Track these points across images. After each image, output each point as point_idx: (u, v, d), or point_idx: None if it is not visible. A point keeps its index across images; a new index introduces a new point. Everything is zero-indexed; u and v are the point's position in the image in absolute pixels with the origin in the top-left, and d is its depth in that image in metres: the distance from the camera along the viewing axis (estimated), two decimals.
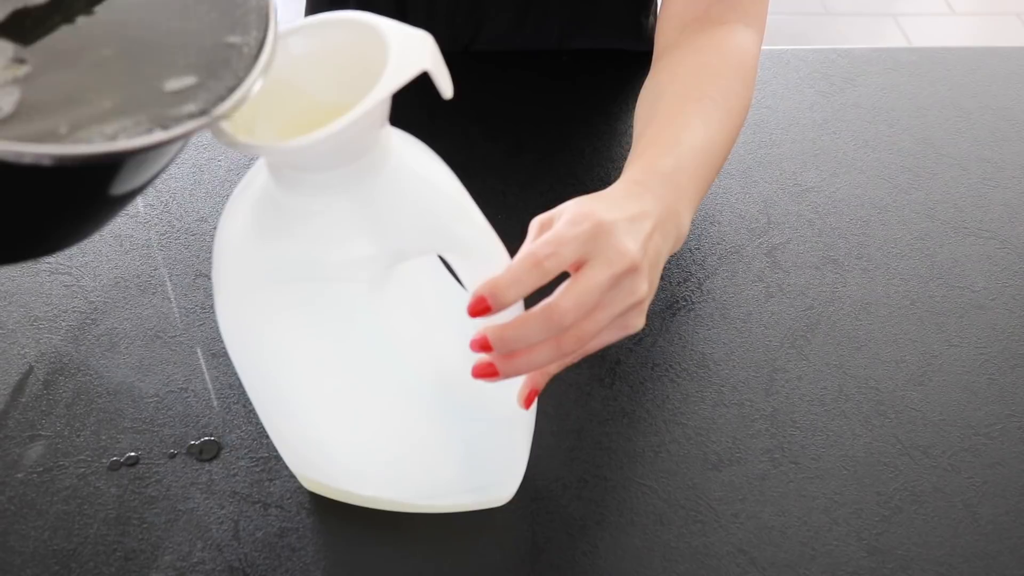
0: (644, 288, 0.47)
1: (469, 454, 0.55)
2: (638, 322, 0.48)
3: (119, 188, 0.40)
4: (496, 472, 0.57)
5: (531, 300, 0.46)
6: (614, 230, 0.46)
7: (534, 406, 0.55)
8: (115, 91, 0.39)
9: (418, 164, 0.46)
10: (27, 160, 0.34)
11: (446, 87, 0.42)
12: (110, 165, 0.38)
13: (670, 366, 0.67)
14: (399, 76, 0.40)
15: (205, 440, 0.62)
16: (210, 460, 0.61)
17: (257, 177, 0.46)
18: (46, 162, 0.34)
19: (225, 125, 0.40)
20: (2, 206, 0.38)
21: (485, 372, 0.45)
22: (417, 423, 0.52)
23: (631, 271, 0.46)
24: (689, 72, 0.63)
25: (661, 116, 0.59)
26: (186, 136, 0.38)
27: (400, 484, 0.57)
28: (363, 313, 0.47)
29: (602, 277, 0.45)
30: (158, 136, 0.37)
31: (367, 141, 0.43)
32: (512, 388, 0.51)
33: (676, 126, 0.58)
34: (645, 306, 0.48)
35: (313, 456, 0.56)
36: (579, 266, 0.46)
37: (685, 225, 0.54)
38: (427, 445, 0.54)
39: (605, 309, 0.46)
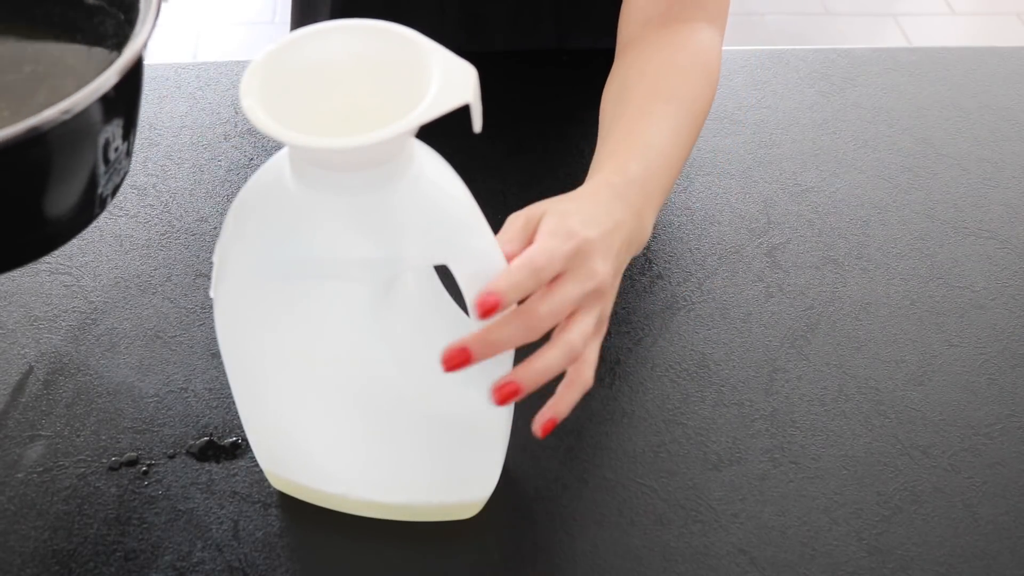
0: (607, 307, 0.52)
1: (445, 457, 0.55)
2: (589, 375, 0.52)
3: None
4: (470, 477, 0.57)
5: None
6: (592, 252, 0.50)
7: (510, 416, 0.56)
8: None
9: (436, 173, 0.47)
10: None
11: (479, 121, 0.44)
12: None
13: (670, 366, 0.67)
14: (444, 103, 0.42)
15: (205, 440, 0.62)
16: (210, 460, 0.61)
17: (273, 171, 0.47)
18: None
19: (264, 115, 0.41)
20: None
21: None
22: (398, 425, 0.52)
23: (598, 292, 0.51)
24: (658, 71, 0.64)
25: (631, 115, 0.61)
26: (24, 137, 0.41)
27: (373, 483, 0.57)
28: (360, 316, 0.47)
29: (575, 293, 0.49)
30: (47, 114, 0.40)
31: (397, 148, 0.44)
32: (488, 401, 0.52)
33: (647, 127, 0.60)
34: (600, 336, 0.53)
35: (289, 452, 0.56)
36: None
37: (648, 230, 0.57)
38: (404, 446, 0.54)
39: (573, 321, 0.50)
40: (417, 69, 0.43)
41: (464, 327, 0.54)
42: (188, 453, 0.61)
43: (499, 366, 0.52)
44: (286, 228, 0.45)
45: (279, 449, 0.56)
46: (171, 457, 0.61)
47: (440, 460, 0.55)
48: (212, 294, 0.49)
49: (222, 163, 0.82)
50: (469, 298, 0.48)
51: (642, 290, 0.72)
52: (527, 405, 0.64)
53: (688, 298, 0.72)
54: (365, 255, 0.45)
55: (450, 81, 0.43)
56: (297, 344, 0.49)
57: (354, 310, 0.47)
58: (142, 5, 0.50)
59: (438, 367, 0.48)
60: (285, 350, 0.50)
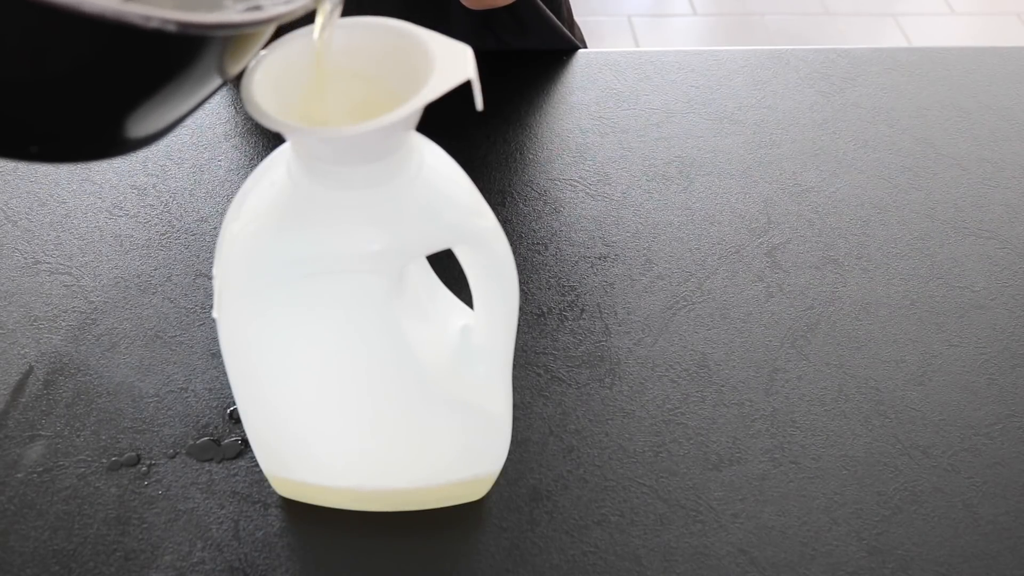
0: None
1: (458, 437, 0.55)
2: None
3: (225, 71, 0.40)
4: (483, 453, 0.57)
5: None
6: None
7: (510, 390, 0.56)
8: None
9: (438, 161, 0.48)
10: (153, 24, 0.33)
11: (480, 98, 0.44)
12: (222, 43, 0.38)
13: (670, 366, 0.67)
14: (446, 82, 0.42)
15: (205, 440, 0.62)
16: (210, 460, 0.61)
17: (272, 171, 0.47)
18: (171, 28, 0.33)
19: (269, 107, 0.41)
20: (105, 78, 0.37)
21: None
22: (413, 411, 0.53)
23: None
24: None
25: None
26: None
27: (389, 473, 0.57)
28: (374, 306, 0.48)
29: None
30: (293, 7, 0.38)
31: (402, 137, 0.45)
32: (495, 378, 0.53)
33: None
34: None
35: (300, 455, 0.56)
36: None
37: None
38: (419, 431, 0.54)
39: None
40: (415, 60, 0.44)
41: (459, 306, 0.55)
42: (188, 453, 0.61)
43: (505, 345, 0.53)
44: (296, 227, 0.46)
45: (289, 454, 0.56)
46: (171, 457, 0.61)
47: (454, 440, 0.55)
48: (215, 315, 0.49)
49: (222, 163, 0.82)
50: (475, 276, 0.49)
51: (642, 290, 0.72)
52: (527, 401, 0.64)
53: (688, 298, 0.72)
54: (377, 247, 0.45)
55: (450, 62, 0.43)
56: (311, 342, 0.49)
57: (368, 301, 0.47)
58: None
59: (447, 349, 0.48)
60: (298, 350, 0.49)
